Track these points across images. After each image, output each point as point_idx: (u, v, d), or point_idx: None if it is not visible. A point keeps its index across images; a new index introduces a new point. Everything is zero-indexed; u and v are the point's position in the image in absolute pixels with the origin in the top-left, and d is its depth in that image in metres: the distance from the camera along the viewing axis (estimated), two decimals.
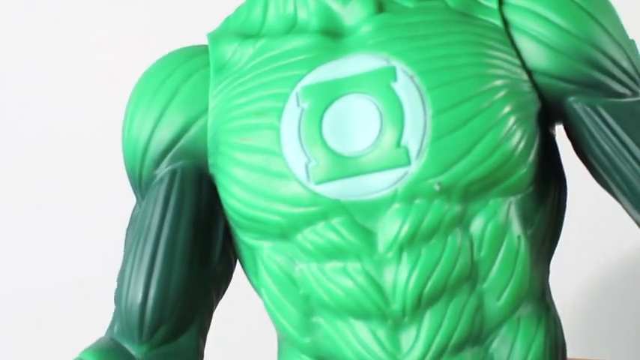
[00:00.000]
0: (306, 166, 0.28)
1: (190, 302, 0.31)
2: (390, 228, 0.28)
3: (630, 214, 0.31)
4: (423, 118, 0.28)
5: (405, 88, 0.28)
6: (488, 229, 0.28)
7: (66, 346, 0.66)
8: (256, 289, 0.31)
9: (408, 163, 0.28)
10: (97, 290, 0.67)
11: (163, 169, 0.31)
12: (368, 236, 0.28)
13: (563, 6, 0.30)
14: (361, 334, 0.28)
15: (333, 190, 0.28)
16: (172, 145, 0.31)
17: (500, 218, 0.28)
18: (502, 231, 0.28)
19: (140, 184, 0.31)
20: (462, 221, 0.28)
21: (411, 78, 0.28)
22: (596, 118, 0.30)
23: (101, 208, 0.67)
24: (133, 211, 0.33)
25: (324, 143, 0.28)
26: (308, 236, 0.29)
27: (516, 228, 0.29)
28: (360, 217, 0.28)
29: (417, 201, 0.28)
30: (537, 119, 0.30)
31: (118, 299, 0.31)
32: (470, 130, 0.28)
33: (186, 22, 0.66)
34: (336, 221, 0.28)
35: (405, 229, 0.28)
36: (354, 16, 0.30)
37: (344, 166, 0.28)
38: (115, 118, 0.67)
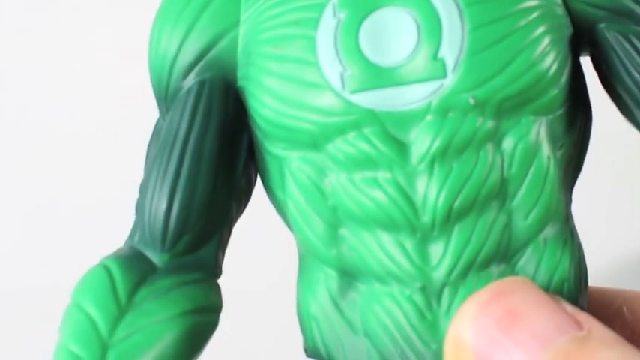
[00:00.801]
0: (342, 75, 0.28)
1: (214, 214, 0.30)
2: (423, 140, 0.28)
3: None
4: (460, 32, 0.28)
5: (443, 2, 0.28)
6: (520, 147, 0.28)
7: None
8: (281, 202, 0.31)
9: (444, 75, 0.28)
10: None
11: (191, 80, 0.31)
12: (400, 147, 0.28)
13: None
14: (388, 246, 0.28)
15: (367, 99, 0.28)
16: (201, 57, 0.31)
17: (531, 137, 0.28)
18: (533, 150, 0.28)
19: (167, 96, 0.31)
20: (494, 137, 0.28)
21: None
22: (627, 46, 0.30)
23: (101, 208, 0.67)
24: (157, 124, 0.33)
25: (360, 53, 0.28)
26: (339, 146, 0.28)
27: (546, 148, 0.29)
28: (393, 128, 0.28)
29: (451, 114, 0.28)
30: (569, 44, 0.30)
31: (140, 208, 0.30)
32: (506, 47, 0.28)
33: None
34: (368, 131, 0.28)
35: (439, 141, 0.28)
36: None
37: (379, 77, 0.28)
38: (115, 119, 0.67)
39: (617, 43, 0.30)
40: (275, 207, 0.32)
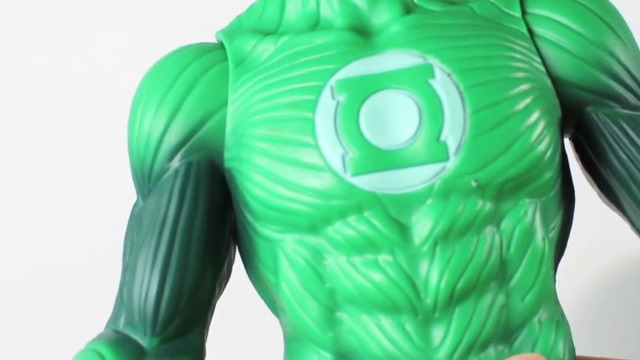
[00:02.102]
0: (343, 158, 0.28)
1: (202, 298, 0.31)
2: (425, 222, 0.28)
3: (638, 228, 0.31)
4: (462, 114, 0.28)
5: (443, 85, 0.28)
6: (518, 229, 0.29)
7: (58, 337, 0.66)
8: (271, 285, 0.30)
9: (447, 158, 0.28)
10: (95, 286, 0.67)
11: (177, 162, 0.31)
12: (402, 230, 0.28)
13: (584, 15, 0.31)
14: (389, 329, 0.28)
15: (369, 182, 0.28)
16: (188, 139, 0.31)
17: (528, 219, 0.29)
18: (529, 232, 0.29)
19: (150, 177, 0.31)
20: (493, 219, 0.28)
21: (449, 75, 0.29)
22: (615, 128, 0.30)
23: (100, 208, 0.67)
24: (135, 207, 0.32)
25: (361, 136, 0.28)
26: (339, 229, 0.28)
27: (541, 230, 0.29)
28: (394, 211, 0.28)
29: (453, 196, 0.28)
30: (559, 126, 0.30)
31: (128, 293, 0.30)
32: (507, 130, 0.28)
33: (187, 22, 0.66)
34: (369, 214, 0.28)
35: (441, 224, 0.28)
36: (382, 15, 0.30)
37: (381, 159, 0.28)
38: (115, 119, 0.67)
39: (605, 125, 0.31)
40: (260, 290, 0.32)
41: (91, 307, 0.67)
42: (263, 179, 0.29)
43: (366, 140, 0.28)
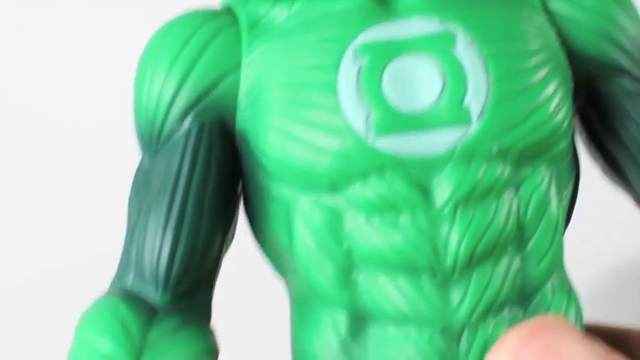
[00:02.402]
0: (365, 120, 0.28)
1: (211, 258, 0.31)
2: (446, 186, 0.28)
3: None
4: (485, 81, 0.28)
5: (466, 52, 0.29)
6: (535, 195, 0.29)
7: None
8: (282, 247, 0.30)
9: (469, 123, 0.28)
10: (94, 286, 0.67)
11: (188, 123, 0.31)
12: (423, 192, 0.28)
13: None
14: (407, 290, 0.28)
15: (391, 144, 0.28)
16: (199, 100, 0.31)
17: (544, 186, 0.29)
18: (546, 199, 0.29)
19: (159, 138, 0.31)
20: (512, 185, 0.29)
21: (471, 43, 0.29)
22: (624, 101, 0.31)
23: (100, 208, 0.67)
24: (141, 165, 0.32)
25: (384, 98, 0.28)
26: (359, 190, 0.28)
27: (555, 198, 0.30)
28: (415, 173, 0.28)
29: (474, 161, 0.28)
30: (572, 97, 0.31)
31: (139, 250, 0.30)
32: (528, 99, 0.29)
33: None
34: (391, 175, 0.28)
35: (462, 187, 0.28)
36: None
37: (404, 122, 0.28)
38: (115, 119, 0.67)
39: (615, 98, 0.31)
40: (267, 252, 0.32)
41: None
42: (281, 140, 0.29)
43: (389, 103, 0.28)
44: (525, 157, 0.29)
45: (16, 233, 0.68)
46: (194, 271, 0.30)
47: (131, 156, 0.67)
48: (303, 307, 0.31)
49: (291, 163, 0.29)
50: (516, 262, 0.29)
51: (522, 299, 0.29)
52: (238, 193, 0.32)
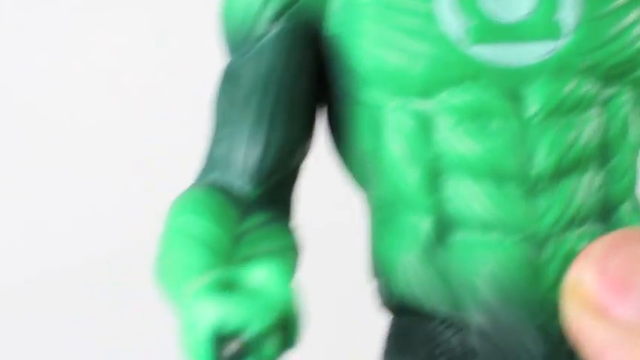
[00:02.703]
0: (461, 28, 0.29)
1: (298, 158, 0.32)
2: (537, 97, 0.29)
3: None
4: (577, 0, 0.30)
5: None
6: (619, 115, 0.30)
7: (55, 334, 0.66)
8: (367, 153, 0.31)
9: (561, 37, 0.29)
10: (94, 286, 0.67)
11: (281, 25, 0.31)
12: (514, 100, 0.29)
13: None
14: (495, 196, 0.29)
15: (485, 52, 0.29)
16: (291, 4, 0.31)
17: (628, 106, 0.30)
18: (629, 119, 0.30)
19: (249, 38, 0.31)
20: (599, 102, 0.30)
21: None
22: None
23: (100, 208, 0.67)
24: (229, 66, 0.33)
25: (480, 8, 0.29)
26: (452, 95, 0.29)
27: (636, 120, 0.31)
28: (508, 82, 0.29)
29: (565, 74, 0.29)
30: None
31: (230, 145, 0.31)
32: (617, 20, 0.30)
33: (187, 22, 0.66)
34: (484, 82, 0.29)
35: (552, 98, 0.29)
36: None
37: (499, 32, 0.29)
38: (115, 119, 0.67)
39: None
40: (348, 162, 0.33)
41: (89, 307, 0.67)
42: (376, 45, 0.30)
43: (485, 12, 0.29)
44: (612, 75, 0.30)
45: (16, 233, 0.68)
46: (282, 169, 0.31)
47: (131, 156, 0.67)
48: (385, 214, 0.31)
49: (385, 68, 0.30)
50: (599, 178, 0.30)
51: (603, 216, 0.30)
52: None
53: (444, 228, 0.30)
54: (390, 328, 0.31)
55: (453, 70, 0.29)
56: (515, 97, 0.29)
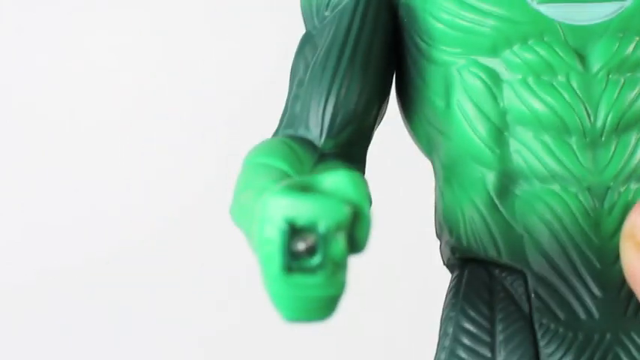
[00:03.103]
0: None
1: (372, 115, 0.33)
2: (601, 52, 0.31)
3: None
4: None
5: None
6: None
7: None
8: (438, 111, 0.33)
9: None
10: (93, 286, 0.67)
11: None
12: (578, 57, 0.31)
13: None
14: (557, 149, 0.31)
15: (552, 10, 0.31)
16: None
17: None
18: None
19: (327, 6, 0.34)
20: None
21: None
22: None
23: (100, 209, 0.67)
24: (305, 36, 0.34)
25: None
26: (519, 51, 0.31)
27: None
28: (572, 40, 0.31)
29: (628, 34, 0.31)
30: None
31: (305, 102, 0.32)
32: None
33: (186, 23, 0.66)
34: (549, 39, 0.31)
35: (615, 55, 0.31)
36: None
37: None
38: (115, 119, 0.67)
39: None
40: (419, 124, 0.34)
41: (89, 307, 0.68)
42: (452, 4, 0.32)
43: None
44: None
45: (16, 233, 0.68)
46: (356, 123, 0.32)
47: (130, 156, 0.67)
48: (453, 171, 0.33)
49: (458, 26, 0.32)
50: None
51: None
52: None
53: (509, 180, 0.32)
54: (454, 279, 0.33)
55: (520, 27, 0.31)
56: (578, 54, 0.31)
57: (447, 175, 0.33)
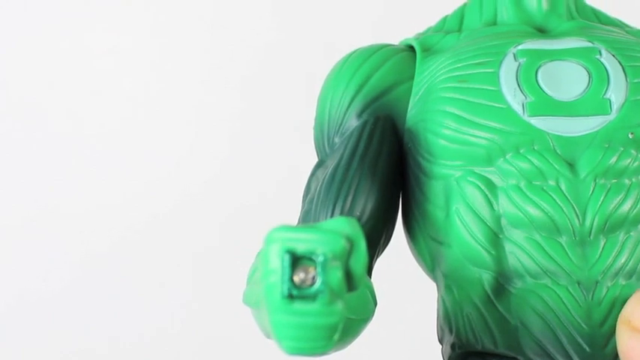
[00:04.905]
0: (522, 102, 0.34)
1: (378, 229, 0.35)
2: (588, 160, 0.34)
3: None
4: (624, 82, 0.34)
5: (608, 60, 0.35)
6: None
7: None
8: (438, 222, 0.35)
9: (609, 112, 0.34)
10: (93, 286, 0.67)
11: (365, 117, 0.36)
12: (567, 164, 0.34)
13: None
14: (549, 249, 0.33)
15: (541, 123, 0.34)
16: (376, 100, 0.36)
17: None
18: None
19: (337, 132, 0.37)
20: None
21: (613, 56, 0.35)
22: None
23: (100, 211, 0.67)
24: (321, 158, 0.37)
25: (538, 87, 0.35)
26: (512, 160, 0.34)
27: None
28: (561, 149, 0.34)
29: (612, 145, 0.34)
30: None
31: (315, 214, 0.34)
32: None
33: (186, 25, 0.66)
34: (539, 148, 0.34)
35: (601, 163, 0.33)
36: (552, 21, 0.37)
37: (554, 107, 0.34)
38: (116, 118, 0.67)
39: None
40: (422, 243, 0.36)
41: (89, 307, 0.67)
42: (451, 121, 0.34)
43: (543, 91, 0.34)
44: None
45: (16, 232, 0.68)
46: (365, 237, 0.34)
47: (130, 156, 0.67)
48: (453, 278, 0.35)
49: (458, 140, 0.34)
50: None
51: None
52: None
53: (504, 278, 0.34)
54: None
55: (513, 138, 0.34)
56: (565, 162, 0.34)
57: (448, 283, 0.35)
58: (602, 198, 0.33)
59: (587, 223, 0.33)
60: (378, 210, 0.34)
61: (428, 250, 0.36)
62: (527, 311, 0.33)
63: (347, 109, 0.36)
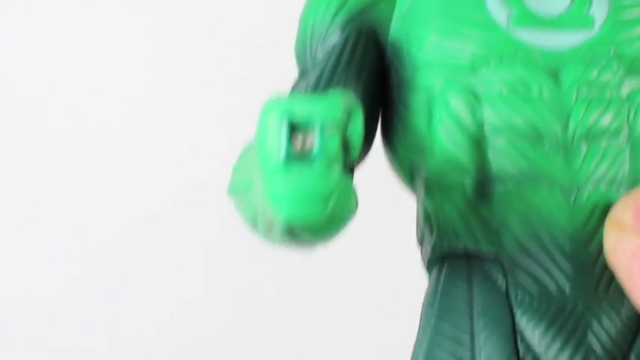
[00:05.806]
0: (507, 14, 0.35)
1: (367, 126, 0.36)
2: (570, 72, 0.35)
3: None
4: (606, 1, 0.36)
5: None
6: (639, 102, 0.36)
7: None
8: (419, 133, 0.36)
9: (592, 27, 0.35)
10: (93, 287, 0.67)
11: (347, 31, 0.37)
12: (550, 74, 0.35)
13: None
14: (532, 154, 0.34)
15: (526, 35, 0.35)
16: (360, 15, 0.37)
17: None
18: None
19: (320, 43, 0.37)
20: (623, 88, 0.35)
21: None
22: None
23: (99, 211, 0.67)
24: (301, 72, 0.37)
25: (523, 3, 0.36)
26: (495, 69, 0.35)
27: None
28: (544, 61, 0.35)
29: (595, 58, 0.35)
30: None
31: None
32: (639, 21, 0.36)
33: (186, 24, 0.66)
34: (523, 58, 0.35)
35: (584, 75, 0.35)
36: None
37: (537, 20, 0.35)
38: (115, 119, 0.67)
39: None
40: (402, 151, 0.37)
41: (89, 306, 0.67)
42: (434, 34, 0.35)
43: (528, 6, 0.35)
44: (635, 68, 0.35)
45: (16, 232, 0.68)
46: None
47: (130, 157, 0.67)
48: (434, 183, 0.35)
49: (443, 52, 0.35)
50: (625, 153, 0.35)
51: (630, 183, 0.35)
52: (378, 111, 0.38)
53: (487, 183, 0.35)
54: (434, 272, 0.36)
55: (496, 48, 0.35)
56: (549, 72, 0.35)
57: (429, 188, 0.36)
58: (584, 108, 0.34)
59: (570, 131, 0.34)
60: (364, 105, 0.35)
61: (408, 160, 0.37)
62: (509, 213, 0.34)
63: (330, 23, 0.37)
